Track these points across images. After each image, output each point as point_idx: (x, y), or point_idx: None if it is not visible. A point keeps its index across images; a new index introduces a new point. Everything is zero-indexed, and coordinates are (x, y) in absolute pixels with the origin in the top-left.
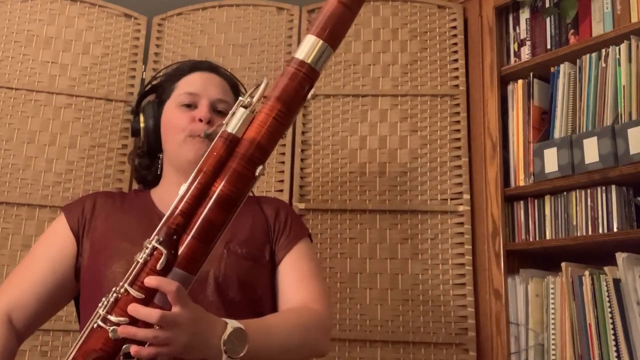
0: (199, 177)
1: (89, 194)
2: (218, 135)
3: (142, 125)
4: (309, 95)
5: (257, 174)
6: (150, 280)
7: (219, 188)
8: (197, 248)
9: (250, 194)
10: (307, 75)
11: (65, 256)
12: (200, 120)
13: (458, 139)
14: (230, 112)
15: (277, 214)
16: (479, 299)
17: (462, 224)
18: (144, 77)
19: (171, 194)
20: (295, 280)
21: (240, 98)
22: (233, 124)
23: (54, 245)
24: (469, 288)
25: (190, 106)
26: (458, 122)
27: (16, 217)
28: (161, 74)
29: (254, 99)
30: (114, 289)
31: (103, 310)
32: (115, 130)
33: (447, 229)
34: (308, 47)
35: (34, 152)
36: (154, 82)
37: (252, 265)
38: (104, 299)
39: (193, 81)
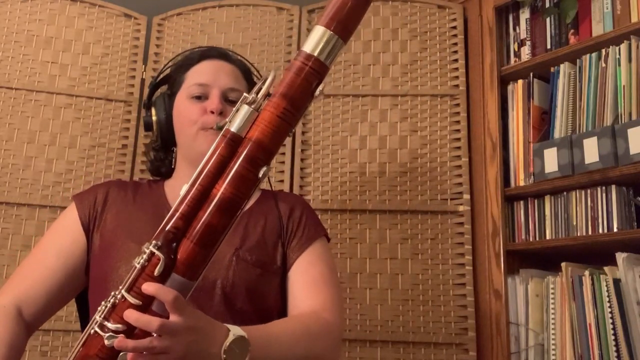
0: (200, 179)
1: (102, 182)
2: (220, 134)
3: (154, 119)
4: (318, 92)
5: (260, 175)
6: (148, 287)
7: (220, 191)
8: (196, 254)
9: (268, 189)
10: (315, 69)
11: (76, 251)
12: (212, 112)
13: (458, 139)
14: (233, 109)
15: (291, 212)
16: (479, 299)
17: (462, 224)
18: (144, 77)
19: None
20: (305, 286)
21: (244, 94)
22: (236, 122)
23: (65, 238)
24: (469, 288)
25: (201, 97)
26: (458, 122)
27: (16, 217)
28: (170, 63)
29: (259, 95)
30: (112, 293)
31: (100, 317)
32: (115, 130)
33: (447, 229)
34: (316, 39)
35: (34, 152)
36: (164, 73)
37: (261, 272)
38: (103, 302)
39: (203, 71)
